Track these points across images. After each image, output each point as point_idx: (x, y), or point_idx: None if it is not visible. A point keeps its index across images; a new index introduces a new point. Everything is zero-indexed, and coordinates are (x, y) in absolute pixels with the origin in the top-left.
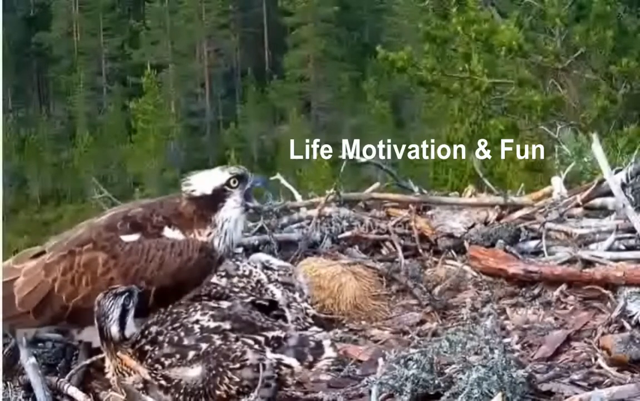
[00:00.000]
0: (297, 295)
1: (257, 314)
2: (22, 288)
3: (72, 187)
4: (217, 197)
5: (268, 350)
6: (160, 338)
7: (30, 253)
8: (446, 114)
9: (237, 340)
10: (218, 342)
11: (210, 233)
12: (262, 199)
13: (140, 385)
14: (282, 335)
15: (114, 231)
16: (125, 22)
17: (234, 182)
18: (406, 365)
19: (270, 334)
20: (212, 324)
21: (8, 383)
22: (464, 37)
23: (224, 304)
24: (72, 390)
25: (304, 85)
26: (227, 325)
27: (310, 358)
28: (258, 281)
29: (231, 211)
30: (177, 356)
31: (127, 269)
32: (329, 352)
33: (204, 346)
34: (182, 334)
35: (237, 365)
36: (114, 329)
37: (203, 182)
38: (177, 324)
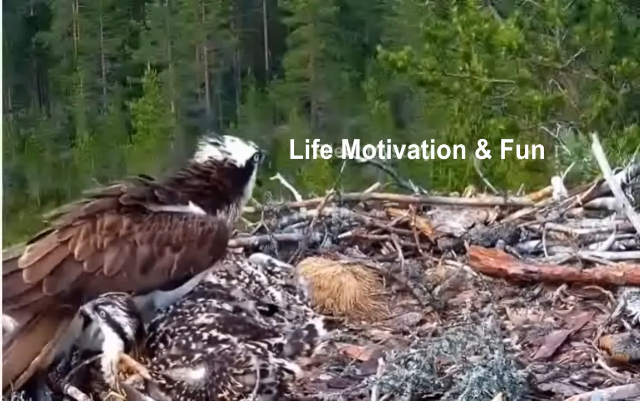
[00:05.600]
0: (297, 297)
1: (259, 317)
2: (30, 259)
3: (72, 187)
4: (247, 171)
5: (271, 354)
6: (168, 338)
7: (23, 245)
8: (446, 114)
9: (240, 341)
10: (223, 346)
11: (238, 204)
12: (262, 199)
13: (141, 385)
14: (285, 342)
15: (140, 199)
16: (125, 22)
17: (256, 157)
18: (406, 365)
19: (273, 341)
20: (218, 330)
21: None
22: (464, 37)
23: (227, 307)
24: (72, 390)
25: (304, 85)
26: (231, 330)
27: (307, 346)
28: (258, 283)
29: (252, 184)
30: (184, 358)
31: (153, 234)
32: (322, 333)
33: (210, 350)
34: (191, 338)
35: (241, 371)
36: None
37: (239, 153)
38: (183, 327)
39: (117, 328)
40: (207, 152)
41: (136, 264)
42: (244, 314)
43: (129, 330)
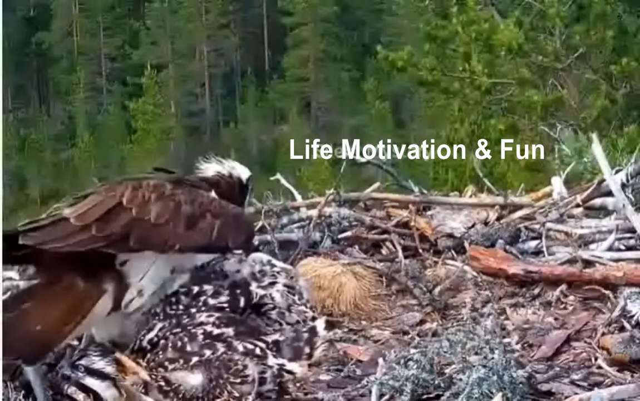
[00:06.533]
0: (296, 298)
1: (257, 317)
2: (77, 209)
3: (72, 187)
4: (246, 188)
5: (270, 354)
6: (164, 342)
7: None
8: (446, 114)
9: (239, 342)
10: (222, 349)
11: None
12: (262, 199)
13: (141, 388)
14: (282, 339)
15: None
16: (125, 22)
17: (251, 181)
18: (406, 365)
19: (270, 338)
20: (216, 331)
21: (8, 383)
22: (464, 37)
23: (225, 305)
24: (72, 390)
25: (304, 85)
26: (230, 330)
27: (307, 349)
28: None
29: (247, 206)
30: (181, 361)
31: (194, 198)
32: (323, 334)
33: (207, 353)
34: (186, 339)
35: (238, 380)
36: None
37: (240, 170)
38: (179, 328)
39: (99, 374)
40: (213, 168)
41: (181, 218)
42: (240, 312)
43: (110, 370)
